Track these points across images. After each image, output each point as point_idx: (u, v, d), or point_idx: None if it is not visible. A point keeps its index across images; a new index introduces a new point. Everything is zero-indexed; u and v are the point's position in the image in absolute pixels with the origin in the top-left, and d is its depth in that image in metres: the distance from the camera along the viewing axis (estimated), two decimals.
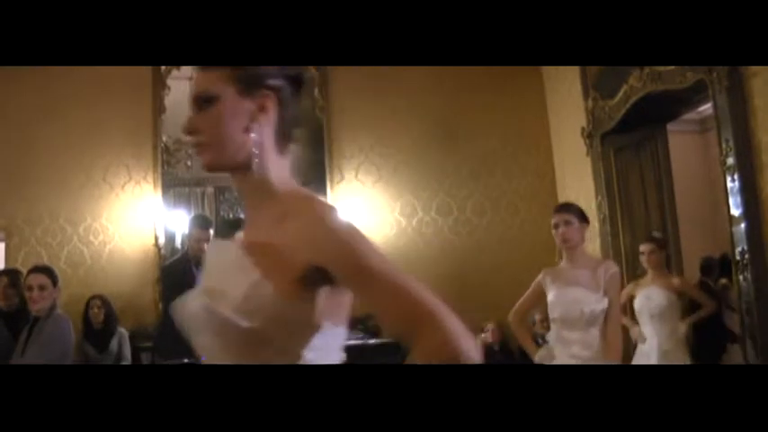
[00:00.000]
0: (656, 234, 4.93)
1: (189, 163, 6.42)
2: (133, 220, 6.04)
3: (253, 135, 1.21)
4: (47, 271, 3.61)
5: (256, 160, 1.21)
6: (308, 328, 1.14)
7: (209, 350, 1.24)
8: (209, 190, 6.61)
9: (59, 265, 5.57)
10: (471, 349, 1.05)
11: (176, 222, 5.99)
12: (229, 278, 1.17)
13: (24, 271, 4.03)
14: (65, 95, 5.93)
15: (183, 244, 5.65)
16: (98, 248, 5.94)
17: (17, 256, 5.77)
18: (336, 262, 1.10)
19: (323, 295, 1.13)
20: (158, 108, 6.14)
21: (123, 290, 5.75)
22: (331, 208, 1.14)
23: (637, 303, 4.59)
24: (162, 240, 6.00)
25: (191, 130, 1.23)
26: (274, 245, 1.13)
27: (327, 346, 1.17)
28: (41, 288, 3.50)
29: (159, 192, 6.09)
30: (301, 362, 1.14)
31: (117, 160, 6.06)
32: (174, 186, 6.32)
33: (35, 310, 3.54)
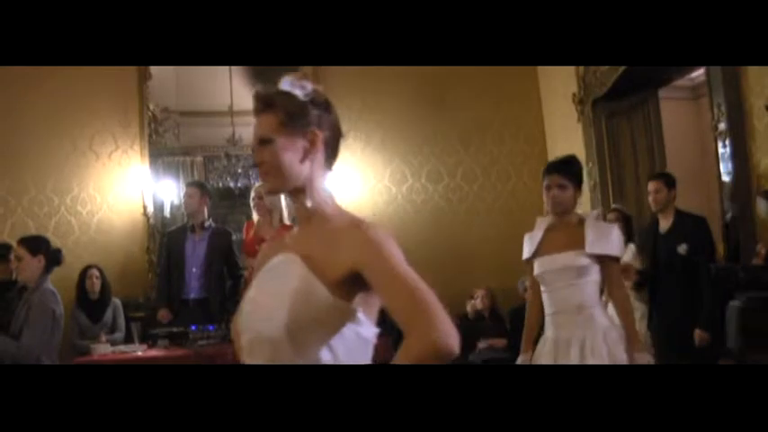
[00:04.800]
0: None
1: (177, 132, 6.34)
2: (121, 189, 5.98)
3: (306, 165, 1.45)
4: (23, 242, 3.65)
5: (309, 186, 1.46)
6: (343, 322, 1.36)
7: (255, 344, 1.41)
8: (198, 159, 6.53)
9: (47, 236, 5.53)
10: (455, 347, 1.23)
11: (165, 191, 5.93)
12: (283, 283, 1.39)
13: (12, 243, 4.16)
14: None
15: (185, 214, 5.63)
16: (86, 218, 5.88)
17: (4, 228, 5.71)
18: (370, 267, 1.31)
19: (359, 296, 1.36)
20: (144, 75, 6.03)
21: (112, 260, 5.72)
22: (369, 225, 1.37)
23: None
24: (151, 209, 5.95)
25: (257, 162, 1.47)
26: (323, 252, 1.38)
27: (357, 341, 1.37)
28: (18, 259, 3.57)
29: (147, 161, 6.02)
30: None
31: (103, 128, 5.97)
32: (162, 155, 6.24)
33: (20, 279, 3.68)
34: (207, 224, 4.90)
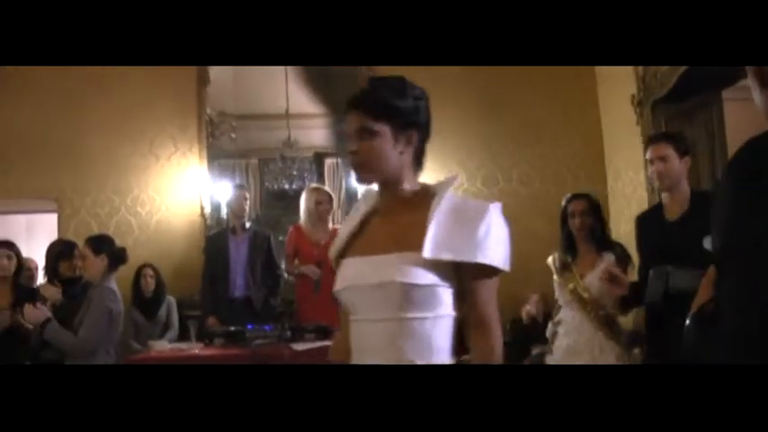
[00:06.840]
0: None
1: (233, 135, 6.46)
2: (179, 190, 6.12)
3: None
4: (88, 242, 3.78)
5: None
6: None
7: None
8: (254, 161, 6.64)
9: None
10: None
11: (221, 193, 6.05)
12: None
13: (76, 242, 4.33)
14: (111, 67, 5.98)
15: (227, 214, 5.74)
16: (145, 219, 6.04)
17: (68, 227, 5.92)
18: None
19: None
20: (203, 79, 6.18)
21: (170, 259, 5.85)
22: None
23: None
24: (207, 211, 6.07)
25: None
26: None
27: None
28: (82, 258, 3.75)
29: (204, 163, 6.16)
30: None
31: (162, 132, 6.12)
32: (219, 158, 6.37)
33: (84, 277, 3.88)
34: (247, 226, 5.01)
